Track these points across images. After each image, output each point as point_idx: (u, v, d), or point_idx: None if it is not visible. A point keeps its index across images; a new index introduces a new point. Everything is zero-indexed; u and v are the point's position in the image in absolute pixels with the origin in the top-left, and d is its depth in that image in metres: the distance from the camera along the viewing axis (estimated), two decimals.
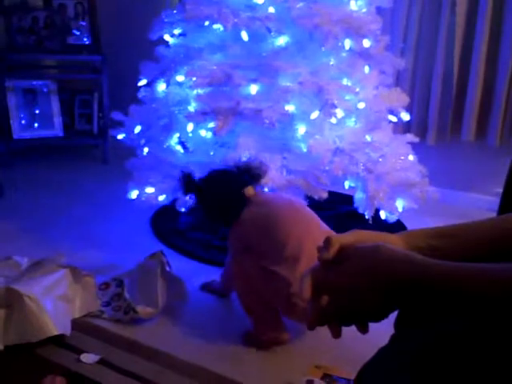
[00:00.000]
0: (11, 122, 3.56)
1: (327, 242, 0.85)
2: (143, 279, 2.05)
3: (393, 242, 0.86)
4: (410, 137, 2.61)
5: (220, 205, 1.91)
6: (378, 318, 0.78)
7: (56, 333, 1.73)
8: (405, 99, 2.53)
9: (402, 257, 0.76)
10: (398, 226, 2.61)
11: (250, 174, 1.92)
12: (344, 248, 0.84)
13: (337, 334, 0.84)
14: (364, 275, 0.78)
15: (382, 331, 0.88)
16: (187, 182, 1.97)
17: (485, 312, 0.68)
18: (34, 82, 3.65)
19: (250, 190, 1.89)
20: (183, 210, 2.41)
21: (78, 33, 3.68)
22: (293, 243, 1.64)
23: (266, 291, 1.70)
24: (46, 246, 2.44)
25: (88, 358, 1.71)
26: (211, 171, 1.98)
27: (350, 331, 0.85)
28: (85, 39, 3.70)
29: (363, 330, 0.81)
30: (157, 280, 2.00)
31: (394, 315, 0.82)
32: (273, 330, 1.79)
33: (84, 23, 3.69)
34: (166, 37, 2.50)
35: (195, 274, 2.25)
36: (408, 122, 2.83)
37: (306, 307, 0.85)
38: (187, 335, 1.86)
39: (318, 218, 1.79)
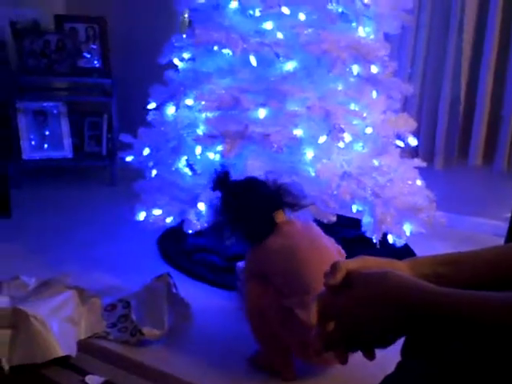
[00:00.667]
0: (21, 142, 3.59)
1: (334, 267, 0.85)
2: (150, 301, 2.05)
3: (399, 268, 0.86)
4: (418, 161, 2.62)
5: (245, 217, 1.78)
6: (385, 345, 0.78)
7: (62, 354, 1.73)
8: (412, 124, 2.54)
9: (411, 284, 0.76)
10: (405, 251, 2.60)
11: (286, 198, 1.80)
12: (351, 273, 0.84)
13: (343, 360, 0.83)
14: (372, 301, 0.78)
15: (389, 358, 0.88)
16: (221, 180, 1.85)
17: (490, 341, 0.68)
18: (45, 104, 3.69)
19: (279, 215, 1.78)
20: (190, 231, 2.41)
21: (88, 56, 3.73)
22: (318, 289, 1.58)
23: (280, 327, 1.66)
24: (54, 266, 2.44)
25: (93, 379, 1.70)
26: (249, 178, 1.89)
27: (356, 358, 0.85)
28: (95, 62, 3.75)
29: (370, 356, 0.81)
30: (163, 302, 2.00)
31: (400, 342, 0.82)
32: (280, 364, 1.75)
33: (95, 46, 3.74)
34: (176, 61, 2.53)
35: (202, 296, 2.24)
36: (415, 146, 2.84)
37: (319, 350, 0.84)
38: (193, 357, 1.85)
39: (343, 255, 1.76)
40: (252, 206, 1.79)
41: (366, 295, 0.79)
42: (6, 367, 1.69)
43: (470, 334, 0.70)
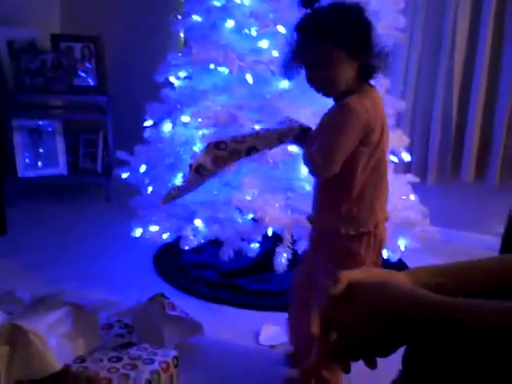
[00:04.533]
0: (16, 160, 3.60)
1: (336, 278, 0.86)
2: (146, 321, 2.04)
3: (400, 279, 0.88)
4: (411, 177, 2.65)
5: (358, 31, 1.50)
6: (386, 353, 0.80)
7: (59, 368, 1.73)
8: (405, 140, 2.58)
9: (409, 292, 0.78)
10: (400, 266, 2.62)
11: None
12: (352, 284, 0.86)
13: (346, 369, 0.85)
14: (371, 310, 0.79)
15: (392, 366, 0.89)
16: None
17: (491, 349, 0.70)
18: (40, 122, 3.71)
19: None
20: (187, 248, 2.42)
21: (84, 74, 3.75)
22: None
23: None
24: (49, 283, 2.44)
25: None
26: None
27: (359, 367, 0.86)
28: (89, 80, 3.77)
29: (372, 365, 0.82)
30: (160, 322, 2.00)
31: (402, 350, 0.83)
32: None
33: (89, 65, 3.77)
34: (172, 79, 2.56)
35: (199, 312, 2.24)
36: (408, 162, 2.87)
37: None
38: (192, 373, 1.86)
39: None
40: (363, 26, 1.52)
41: (365, 304, 0.81)
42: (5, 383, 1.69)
43: (471, 343, 0.71)
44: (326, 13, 1.52)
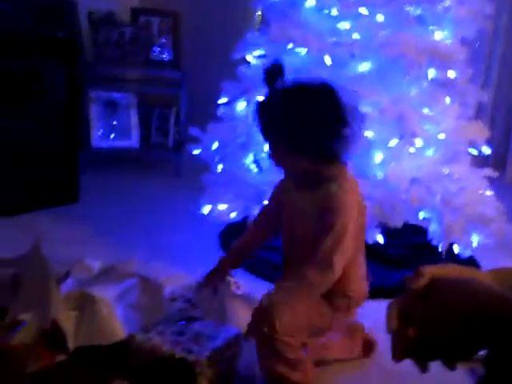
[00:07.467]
0: (91, 131, 3.69)
1: (418, 272, 0.83)
2: (210, 299, 2.06)
3: (481, 278, 0.84)
4: (489, 171, 2.55)
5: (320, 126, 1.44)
6: (468, 355, 0.76)
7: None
8: (485, 133, 2.48)
9: (499, 292, 0.74)
10: (470, 262, 2.53)
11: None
12: (434, 280, 0.82)
13: (424, 369, 0.81)
14: (458, 307, 0.75)
15: None
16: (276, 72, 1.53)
17: None
18: (116, 95, 3.78)
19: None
20: None
21: (160, 49, 3.79)
22: None
23: None
24: (117, 251, 2.49)
25: None
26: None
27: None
28: (166, 55, 3.81)
29: (451, 366, 0.79)
30: (224, 300, 2.00)
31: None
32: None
33: (164, 40, 3.80)
34: (248, 57, 2.54)
35: (263, 293, 2.23)
36: (486, 155, 2.76)
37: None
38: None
39: None
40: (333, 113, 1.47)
41: (451, 300, 0.77)
42: (71, 348, 1.73)
43: None
44: (277, 103, 1.49)
